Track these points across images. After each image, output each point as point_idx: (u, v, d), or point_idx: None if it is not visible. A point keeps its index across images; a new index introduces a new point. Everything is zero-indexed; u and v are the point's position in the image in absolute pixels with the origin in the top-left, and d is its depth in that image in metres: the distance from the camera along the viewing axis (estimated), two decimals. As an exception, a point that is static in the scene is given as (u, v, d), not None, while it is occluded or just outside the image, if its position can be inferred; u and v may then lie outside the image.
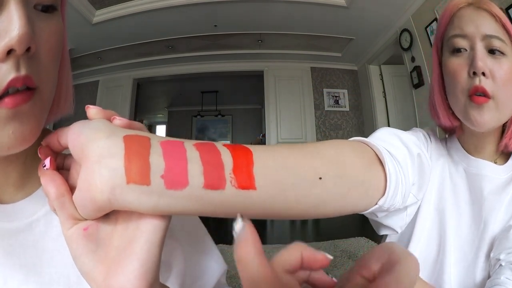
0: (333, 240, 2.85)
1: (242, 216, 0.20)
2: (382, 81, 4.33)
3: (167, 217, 0.25)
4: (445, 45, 0.55)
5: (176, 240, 0.43)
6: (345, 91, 4.87)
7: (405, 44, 3.35)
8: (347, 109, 4.84)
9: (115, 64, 4.61)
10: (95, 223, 0.25)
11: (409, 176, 0.39)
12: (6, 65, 0.25)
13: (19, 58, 0.26)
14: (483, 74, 0.49)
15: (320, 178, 0.29)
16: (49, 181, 0.25)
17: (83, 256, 0.24)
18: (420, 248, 0.57)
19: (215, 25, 3.74)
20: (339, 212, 0.33)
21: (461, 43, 0.51)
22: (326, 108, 4.79)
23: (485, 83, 0.49)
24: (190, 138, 0.40)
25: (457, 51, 0.51)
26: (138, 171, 0.22)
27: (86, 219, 0.25)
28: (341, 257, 2.40)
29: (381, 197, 0.36)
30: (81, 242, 0.25)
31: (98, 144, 0.23)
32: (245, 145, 0.28)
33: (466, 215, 0.56)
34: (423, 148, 0.44)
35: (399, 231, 0.47)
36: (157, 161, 0.22)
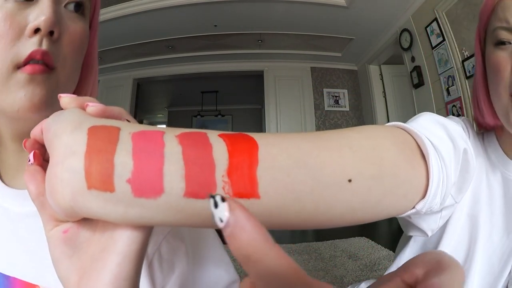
0: (333, 240, 2.85)
1: (220, 196, 0.14)
2: (382, 81, 4.33)
3: (147, 227, 0.22)
4: (488, 36, 0.50)
5: (181, 240, 0.41)
6: (345, 91, 4.87)
7: (405, 44, 3.35)
8: (347, 109, 4.84)
9: (115, 64, 4.60)
10: (76, 226, 0.23)
11: (451, 175, 0.33)
12: (32, 40, 0.33)
13: (42, 37, 0.33)
14: None
15: (350, 181, 0.23)
16: (30, 178, 0.22)
17: (59, 261, 0.22)
18: None
19: (215, 25, 3.74)
20: (369, 220, 0.27)
21: (506, 35, 0.47)
22: (326, 108, 4.79)
23: None
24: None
25: (501, 43, 0.48)
26: (99, 174, 0.18)
27: (67, 220, 0.23)
28: (341, 257, 2.40)
29: (420, 199, 0.30)
30: (59, 246, 0.22)
31: (61, 141, 0.19)
32: (251, 134, 0.21)
33: (499, 225, 0.52)
34: (469, 143, 0.38)
35: (430, 234, 0.41)
36: (123, 161, 0.18)
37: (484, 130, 0.57)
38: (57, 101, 0.34)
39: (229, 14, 3.48)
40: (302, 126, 4.69)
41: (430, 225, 0.40)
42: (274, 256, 0.13)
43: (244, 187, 0.19)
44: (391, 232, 3.27)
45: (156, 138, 0.19)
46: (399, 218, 0.42)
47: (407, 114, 3.68)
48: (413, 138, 0.31)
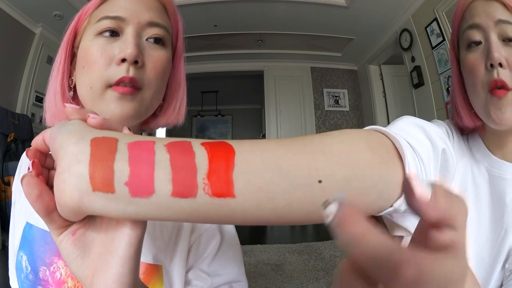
0: (333, 240, 2.84)
1: (332, 199, 0.18)
2: (382, 81, 4.33)
3: (141, 228, 0.26)
4: (460, 41, 0.53)
5: (220, 231, 0.50)
6: (345, 91, 4.87)
7: (405, 44, 3.34)
8: (347, 109, 4.84)
9: (115, 64, 4.60)
10: (82, 228, 0.26)
11: (430, 174, 0.34)
12: (120, 67, 0.43)
13: (129, 65, 0.43)
14: (500, 65, 0.47)
15: (320, 182, 0.25)
16: (36, 199, 0.24)
17: (73, 261, 0.26)
18: None
19: (215, 25, 3.74)
20: None
21: (475, 35, 0.49)
22: (326, 108, 4.79)
23: (503, 74, 0.47)
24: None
25: (473, 44, 0.50)
26: (101, 178, 0.21)
27: (73, 222, 0.26)
28: (341, 257, 2.40)
29: (398, 198, 0.31)
30: (70, 248, 0.26)
31: (67, 150, 0.22)
32: (231, 141, 0.25)
33: (486, 220, 0.53)
34: (449, 143, 0.39)
35: None
36: (121, 167, 0.22)
37: (467, 132, 0.59)
38: (143, 115, 0.47)
39: (229, 14, 3.48)
40: (302, 126, 4.69)
41: (414, 224, 0.39)
42: (378, 235, 0.16)
43: (221, 188, 0.22)
44: (391, 232, 3.27)
45: (148, 148, 0.23)
46: (385, 219, 0.43)
47: (407, 114, 3.63)
48: (391, 140, 0.32)
